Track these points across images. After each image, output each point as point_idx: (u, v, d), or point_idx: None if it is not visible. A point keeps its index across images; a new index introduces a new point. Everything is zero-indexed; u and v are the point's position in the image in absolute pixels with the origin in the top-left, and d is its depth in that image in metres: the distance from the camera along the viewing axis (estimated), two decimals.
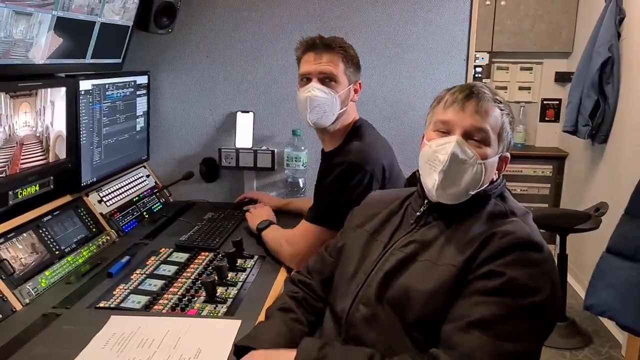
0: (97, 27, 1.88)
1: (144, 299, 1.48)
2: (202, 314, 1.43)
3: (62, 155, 1.84)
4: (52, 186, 1.80)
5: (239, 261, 1.73)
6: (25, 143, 1.66)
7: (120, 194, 2.13)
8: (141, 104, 2.31)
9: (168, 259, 1.76)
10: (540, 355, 1.14)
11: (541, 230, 1.20)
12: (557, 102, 4.29)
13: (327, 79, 1.76)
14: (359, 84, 1.86)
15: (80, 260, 1.73)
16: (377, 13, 2.36)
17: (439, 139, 1.20)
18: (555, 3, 4.11)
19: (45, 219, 1.70)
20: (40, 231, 1.65)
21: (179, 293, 1.52)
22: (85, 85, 1.88)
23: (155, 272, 1.66)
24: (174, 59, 2.45)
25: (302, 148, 2.38)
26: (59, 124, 1.80)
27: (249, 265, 1.72)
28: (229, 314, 1.42)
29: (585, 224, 3.02)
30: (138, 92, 2.27)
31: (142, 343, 1.27)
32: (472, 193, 1.19)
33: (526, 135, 4.36)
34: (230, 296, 1.51)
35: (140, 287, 1.56)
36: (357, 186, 1.68)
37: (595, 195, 3.47)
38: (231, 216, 2.18)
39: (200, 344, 1.26)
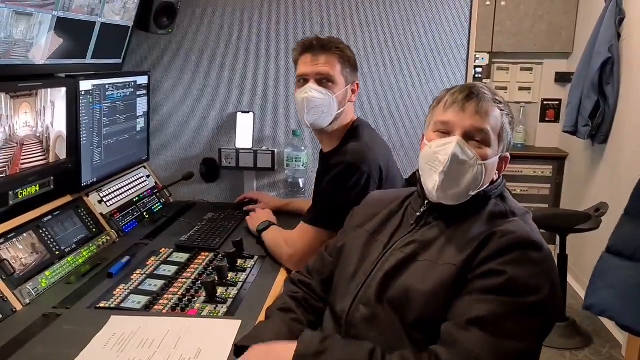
0: (97, 28, 1.88)
1: (144, 299, 1.49)
2: (202, 314, 1.43)
3: (63, 155, 1.84)
4: (52, 186, 1.80)
5: (239, 261, 1.73)
6: (25, 143, 1.66)
7: (121, 194, 2.13)
8: (141, 105, 2.31)
9: (168, 259, 1.76)
10: (540, 355, 1.14)
11: (541, 231, 1.20)
12: (557, 103, 4.29)
13: (324, 80, 1.76)
14: (357, 84, 1.86)
15: (81, 261, 1.73)
16: (377, 13, 2.36)
17: (439, 140, 1.20)
18: (556, 3, 4.11)
19: (45, 219, 1.70)
20: (41, 231, 1.65)
21: (179, 293, 1.52)
22: (85, 85, 1.88)
23: (155, 272, 1.66)
24: (174, 60, 2.45)
25: (302, 148, 2.38)
26: (59, 124, 1.80)
27: (249, 266, 1.72)
28: (229, 314, 1.43)
29: (585, 225, 3.03)
30: (138, 93, 2.27)
31: (142, 343, 1.27)
32: (473, 194, 1.19)
33: (526, 136, 4.36)
34: (231, 296, 1.51)
35: (140, 287, 1.56)
36: (355, 187, 1.68)
37: (595, 196, 3.47)
38: (231, 216, 2.18)
39: (200, 344, 1.27)
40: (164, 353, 1.23)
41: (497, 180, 1.25)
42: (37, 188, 1.73)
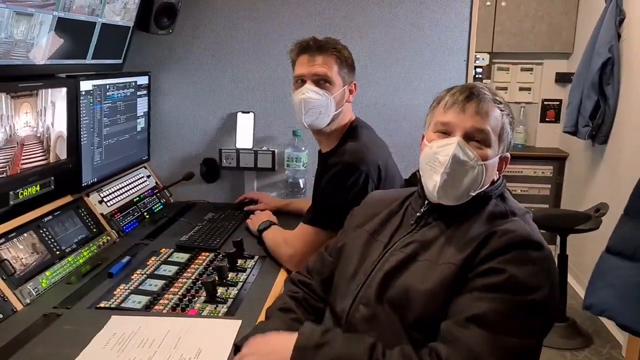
0: (97, 28, 1.89)
1: (144, 299, 1.49)
2: (202, 314, 1.43)
3: (63, 155, 1.84)
4: (52, 186, 1.80)
5: (240, 261, 1.73)
6: (26, 143, 1.66)
7: (121, 194, 2.13)
8: (142, 105, 2.32)
9: (169, 259, 1.76)
10: (540, 355, 1.14)
11: (541, 231, 1.20)
12: (558, 103, 4.30)
13: (322, 81, 1.77)
14: (354, 84, 1.86)
15: (81, 261, 1.73)
16: (378, 13, 2.36)
17: (439, 141, 1.20)
18: (556, 4, 4.11)
19: (46, 219, 1.70)
20: (41, 231, 1.65)
21: (180, 293, 1.53)
22: (86, 85, 1.89)
23: (155, 272, 1.66)
24: (175, 60, 2.45)
25: (303, 148, 2.38)
26: (59, 125, 1.80)
27: (249, 266, 1.72)
28: (230, 314, 1.43)
29: (585, 225, 3.03)
30: (139, 93, 2.28)
31: (142, 343, 1.27)
32: (473, 194, 1.19)
33: (526, 136, 4.36)
34: (231, 296, 1.51)
35: (140, 287, 1.56)
36: (353, 186, 1.68)
37: (595, 196, 3.47)
38: (232, 217, 2.18)
39: (200, 344, 1.27)
40: (164, 353, 1.23)
41: (497, 180, 1.25)
42: (38, 188, 1.73)
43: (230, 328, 1.34)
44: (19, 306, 1.43)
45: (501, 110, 1.21)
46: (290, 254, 1.74)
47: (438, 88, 1.31)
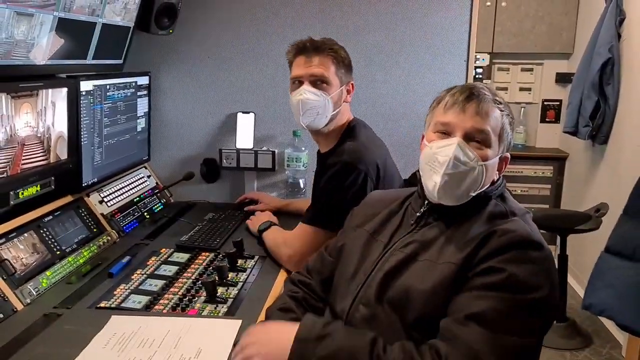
0: (98, 28, 1.89)
1: (144, 299, 1.49)
2: (202, 314, 1.43)
3: (63, 155, 1.85)
4: (53, 186, 1.80)
5: (240, 261, 1.73)
6: (26, 143, 1.66)
7: (121, 194, 2.14)
8: (142, 105, 2.32)
9: (169, 259, 1.77)
10: (540, 354, 1.14)
11: (542, 231, 1.20)
12: (558, 103, 4.30)
13: (319, 82, 1.76)
14: (352, 84, 1.86)
15: (81, 261, 1.73)
16: (378, 14, 2.36)
17: (439, 141, 1.20)
18: (556, 4, 4.11)
19: (46, 219, 1.70)
20: (42, 231, 1.65)
21: (180, 293, 1.53)
22: (86, 85, 1.89)
23: (155, 272, 1.66)
24: (175, 60, 2.45)
25: (303, 149, 2.38)
26: (60, 125, 1.80)
27: (249, 266, 1.72)
28: (230, 314, 1.43)
29: (585, 225, 3.03)
30: (139, 93, 2.28)
31: (142, 343, 1.27)
32: (473, 194, 1.19)
33: (527, 136, 4.36)
34: (231, 296, 1.51)
35: (141, 287, 1.56)
36: (352, 186, 1.68)
37: (595, 196, 3.47)
38: (232, 217, 2.18)
39: (200, 344, 1.27)
40: (164, 353, 1.24)
41: (497, 180, 1.25)
42: (38, 188, 1.73)
43: (231, 328, 1.34)
44: (19, 306, 1.43)
45: (501, 111, 1.21)
46: (289, 254, 1.74)
47: (438, 88, 1.31)
